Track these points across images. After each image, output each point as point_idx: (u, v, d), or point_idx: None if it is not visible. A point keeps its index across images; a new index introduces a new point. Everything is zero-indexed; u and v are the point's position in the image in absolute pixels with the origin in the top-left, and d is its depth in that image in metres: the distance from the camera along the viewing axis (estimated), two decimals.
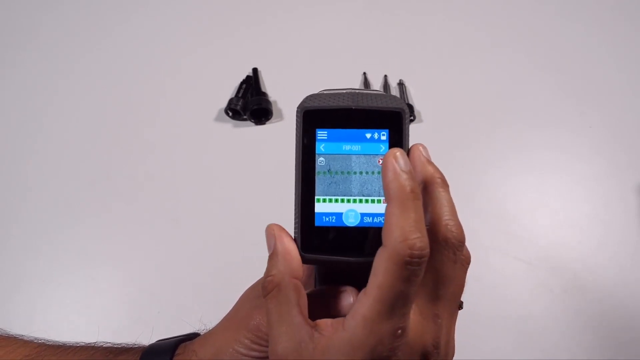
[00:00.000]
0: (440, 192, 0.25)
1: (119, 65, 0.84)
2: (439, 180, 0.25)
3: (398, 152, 0.23)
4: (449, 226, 0.24)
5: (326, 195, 0.26)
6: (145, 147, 0.76)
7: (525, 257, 0.65)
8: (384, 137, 0.26)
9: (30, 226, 0.69)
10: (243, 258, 0.65)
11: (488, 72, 0.82)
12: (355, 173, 0.26)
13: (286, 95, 0.80)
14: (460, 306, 0.28)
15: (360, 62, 0.83)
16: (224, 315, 0.31)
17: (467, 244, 0.26)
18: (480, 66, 0.83)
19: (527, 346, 0.60)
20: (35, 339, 0.35)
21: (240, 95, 0.77)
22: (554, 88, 0.80)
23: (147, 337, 0.34)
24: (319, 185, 0.26)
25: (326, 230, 0.26)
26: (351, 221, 0.26)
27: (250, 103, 0.76)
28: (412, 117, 0.76)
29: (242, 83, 0.80)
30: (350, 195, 0.26)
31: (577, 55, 0.83)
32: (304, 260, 0.26)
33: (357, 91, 0.27)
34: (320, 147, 0.26)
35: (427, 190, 0.25)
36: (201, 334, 0.32)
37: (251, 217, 0.69)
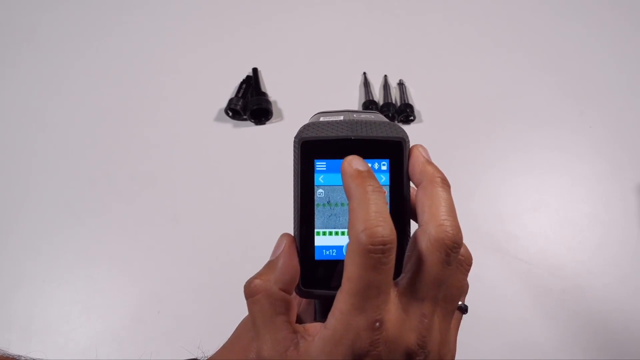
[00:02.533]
0: (438, 191, 0.24)
1: (119, 65, 0.84)
2: (438, 180, 0.25)
3: (351, 156, 0.23)
4: (443, 226, 0.23)
5: (326, 228, 0.25)
6: (146, 147, 0.76)
7: (525, 257, 0.65)
8: (384, 167, 0.25)
9: (30, 226, 0.69)
10: (243, 258, 0.65)
11: (488, 72, 0.82)
12: None
13: (286, 95, 0.80)
14: (463, 310, 0.28)
15: (360, 62, 0.83)
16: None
17: (468, 244, 0.25)
18: (480, 66, 0.83)
19: (527, 346, 0.60)
20: (18, 356, 0.35)
21: (240, 95, 0.77)
22: (554, 88, 0.80)
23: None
24: (318, 218, 0.25)
25: (326, 264, 0.25)
26: None
27: (250, 103, 0.76)
28: (412, 117, 0.76)
29: (242, 83, 0.80)
30: None
31: (577, 55, 0.83)
32: (304, 295, 0.26)
33: (355, 118, 0.27)
34: (319, 179, 0.25)
35: (427, 190, 0.25)
36: None
37: (251, 217, 0.69)
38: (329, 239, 0.25)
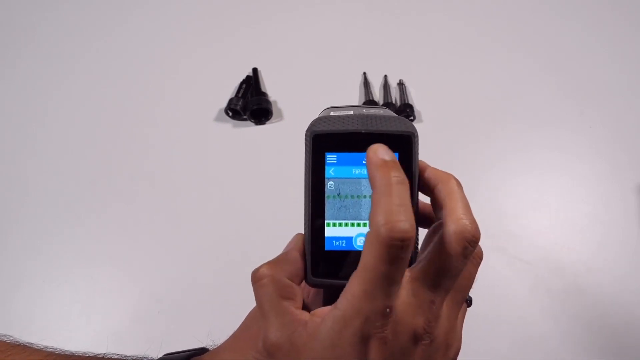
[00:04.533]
0: (455, 190, 0.25)
1: (119, 65, 0.84)
2: (453, 180, 0.26)
3: (377, 145, 0.23)
4: (463, 220, 0.24)
5: (336, 220, 0.26)
6: (146, 147, 0.76)
7: (525, 257, 0.65)
8: None
9: (30, 226, 0.69)
10: (243, 258, 0.65)
11: (488, 72, 0.82)
12: (365, 197, 0.26)
13: (286, 95, 0.80)
14: (468, 303, 0.28)
15: (360, 62, 0.83)
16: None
17: None
18: (480, 66, 0.83)
19: (526, 346, 0.60)
20: (45, 347, 0.35)
21: (240, 95, 0.77)
22: (554, 88, 0.80)
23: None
24: (328, 210, 0.26)
25: (336, 254, 0.26)
26: (361, 245, 0.26)
27: (250, 103, 0.76)
28: (412, 117, 0.76)
29: (242, 83, 0.80)
30: (360, 219, 0.26)
31: (577, 55, 0.83)
32: (314, 285, 0.26)
33: (364, 112, 0.27)
34: (329, 171, 0.26)
35: (443, 189, 0.26)
36: (209, 349, 0.32)
37: (251, 217, 0.69)
38: (339, 230, 0.26)
